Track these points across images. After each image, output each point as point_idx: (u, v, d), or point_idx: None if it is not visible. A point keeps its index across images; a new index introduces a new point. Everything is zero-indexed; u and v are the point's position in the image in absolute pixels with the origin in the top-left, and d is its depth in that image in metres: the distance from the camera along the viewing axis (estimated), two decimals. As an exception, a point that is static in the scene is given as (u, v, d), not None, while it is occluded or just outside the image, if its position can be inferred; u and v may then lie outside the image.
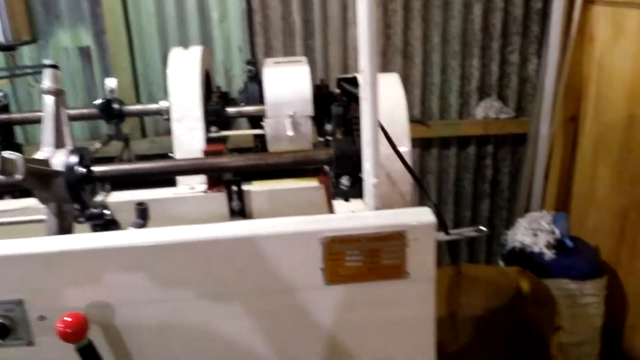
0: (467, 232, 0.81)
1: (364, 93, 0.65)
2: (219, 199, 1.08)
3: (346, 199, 0.82)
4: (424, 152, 2.12)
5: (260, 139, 1.21)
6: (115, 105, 1.23)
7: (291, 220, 0.63)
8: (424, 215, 0.62)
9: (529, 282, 1.29)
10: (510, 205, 2.20)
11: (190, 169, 0.86)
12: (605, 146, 1.78)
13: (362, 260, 0.62)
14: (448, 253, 0.75)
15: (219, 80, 1.94)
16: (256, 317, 0.65)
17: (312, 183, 1.11)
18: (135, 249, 0.62)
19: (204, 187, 1.10)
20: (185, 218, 1.06)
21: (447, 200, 2.19)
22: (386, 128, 0.78)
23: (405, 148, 0.82)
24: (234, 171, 0.94)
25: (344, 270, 0.62)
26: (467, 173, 2.16)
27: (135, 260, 0.62)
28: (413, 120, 2.04)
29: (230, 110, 1.20)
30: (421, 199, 1.39)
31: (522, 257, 1.66)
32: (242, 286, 0.64)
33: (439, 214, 0.78)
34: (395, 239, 0.62)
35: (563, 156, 1.94)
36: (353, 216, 0.64)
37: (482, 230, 0.81)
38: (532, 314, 1.24)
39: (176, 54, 1.18)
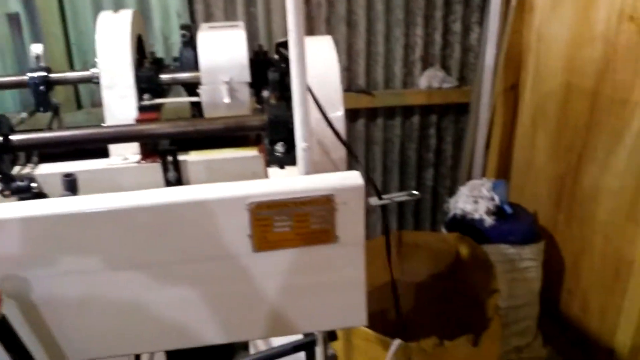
0: (400, 196, 0.81)
1: (291, 53, 0.63)
2: (154, 169, 1.04)
3: (281, 166, 0.80)
4: (369, 122, 2.12)
5: (197, 108, 1.17)
6: (42, 73, 1.16)
7: (216, 186, 0.61)
8: (352, 178, 0.61)
9: (468, 248, 1.31)
10: (454, 174, 2.24)
11: (114, 137, 0.82)
12: (543, 115, 1.82)
13: (291, 225, 0.61)
14: (381, 218, 0.75)
15: (158, 49, 1.88)
16: (183, 286, 0.63)
17: (251, 152, 1.08)
18: (50, 218, 0.59)
19: (138, 157, 1.06)
20: (118, 190, 1.03)
21: (392, 170, 2.21)
22: (318, 92, 0.76)
23: (339, 113, 0.80)
24: (160, 138, 0.91)
25: (272, 237, 0.61)
26: (411, 143, 2.18)
27: (51, 230, 0.59)
28: (358, 90, 2.04)
29: (164, 77, 1.16)
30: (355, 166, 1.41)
31: (463, 224, 1.69)
32: (167, 255, 0.61)
33: (370, 179, 0.77)
34: (323, 203, 0.60)
35: (503, 125, 1.97)
36: (280, 181, 0.62)
37: (414, 194, 0.81)
38: (471, 278, 1.26)
39: (105, 18, 1.12)
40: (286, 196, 0.60)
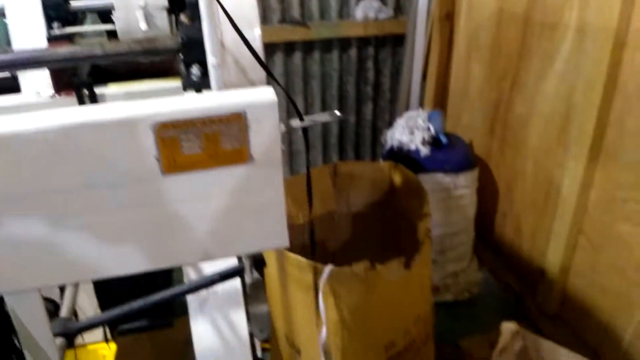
0: (321, 117, 0.79)
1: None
2: (69, 104, 0.98)
3: (198, 90, 0.76)
4: (306, 56, 2.07)
5: (115, 37, 1.10)
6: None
7: (117, 106, 0.57)
8: (264, 94, 0.58)
9: (401, 175, 1.32)
10: (392, 107, 2.24)
11: (10, 64, 0.76)
12: (477, 43, 1.82)
13: (201, 146, 0.58)
14: (304, 140, 0.73)
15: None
16: (93, 214, 0.59)
17: (174, 83, 1.03)
18: None
19: (51, 92, 0.99)
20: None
21: (332, 105, 2.18)
22: (233, 9, 0.71)
23: (256, 31, 0.76)
24: (61, 64, 0.83)
25: (181, 158, 0.58)
26: (349, 76, 2.15)
27: None
28: (293, 22, 1.98)
29: (75, 3, 1.07)
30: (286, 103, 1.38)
31: (400, 156, 1.70)
32: (71, 182, 0.57)
33: (290, 99, 0.74)
34: (234, 121, 0.57)
35: (439, 55, 1.96)
36: (185, 99, 0.58)
37: (335, 114, 0.79)
38: (404, 205, 1.27)
39: (4, -62, 1.02)
40: (192, 114, 0.56)
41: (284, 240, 0.65)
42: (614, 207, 1.32)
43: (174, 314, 1.73)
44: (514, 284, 1.71)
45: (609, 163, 1.33)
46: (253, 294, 0.73)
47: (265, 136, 0.60)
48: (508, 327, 0.98)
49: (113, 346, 1.29)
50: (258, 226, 0.64)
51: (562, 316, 1.54)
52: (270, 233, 0.65)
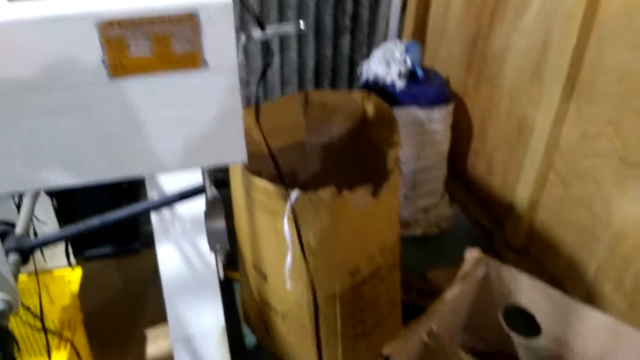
0: (284, 28, 0.75)
1: None
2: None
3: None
4: (282, -16, 1.99)
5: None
6: None
7: (58, 2, 0.53)
8: (219, -6, 0.55)
9: (374, 105, 1.29)
10: (370, 40, 2.18)
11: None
12: (458, -27, 1.76)
13: (150, 48, 0.54)
14: (263, 55, 0.69)
15: None
16: (36, 120, 0.56)
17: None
18: None
19: None
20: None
21: (308, 37, 2.12)
22: None
23: None
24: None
25: (129, 61, 0.54)
26: (327, 6, 2.08)
27: None
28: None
29: None
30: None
31: (376, 89, 1.67)
32: (9, 85, 0.54)
33: (248, 9, 0.70)
34: (186, 22, 0.54)
35: (419, -14, 1.90)
36: (134, -5, 0.54)
37: (300, 27, 0.75)
38: (375, 135, 1.25)
39: None
40: (140, 12, 0.53)
41: (241, 155, 0.63)
42: (585, 143, 1.32)
43: (139, 240, 1.73)
44: (483, 220, 1.73)
45: (582, 99, 1.32)
46: (211, 212, 0.72)
47: (220, 40, 0.56)
48: (471, 254, 0.99)
49: (78, 270, 1.28)
50: (213, 138, 0.62)
51: (528, 250, 1.56)
52: (227, 146, 0.63)
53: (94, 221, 0.82)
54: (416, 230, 1.77)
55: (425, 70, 1.72)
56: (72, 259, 1.26)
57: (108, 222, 0.82)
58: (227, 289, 1.63)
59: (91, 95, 0.56)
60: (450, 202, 1.83)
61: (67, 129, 0.57)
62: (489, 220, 1.72)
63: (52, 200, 1.38)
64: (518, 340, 1.06)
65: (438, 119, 1.67)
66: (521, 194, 1.54)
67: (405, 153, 1.68)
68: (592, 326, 0.93)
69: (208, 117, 0.60)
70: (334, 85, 2.25)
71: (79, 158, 0.60)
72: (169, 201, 0.82)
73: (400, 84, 1.64)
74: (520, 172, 1.55)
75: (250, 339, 1.52)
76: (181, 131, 0.60)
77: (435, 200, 1.78)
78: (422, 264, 1.67)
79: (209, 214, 0.71)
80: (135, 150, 0.60)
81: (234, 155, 0.63)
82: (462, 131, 1.83)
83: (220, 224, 0.71)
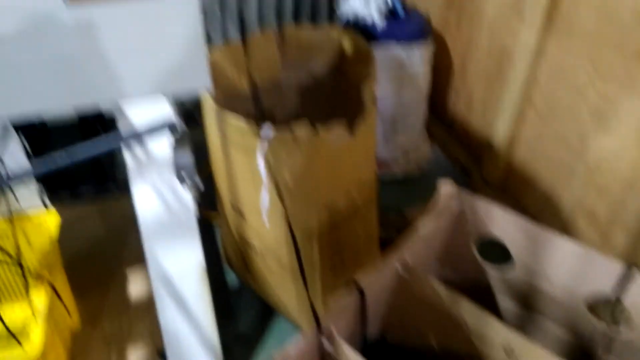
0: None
1: None
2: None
3: None
4: None
5: None
6: None
7: None
8: None
9: (351, 41, 1.27)
10: (350, -22, 2.12)
11: None
12: None
13: (103, -33, 0.52)
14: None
15: None
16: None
17: None
18: None
19: None
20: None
21: (286, -25, 2.06)
22: None
23: None
24: None
25: (82, -17, 0.52)
26: (304, -58, 2.01)
27: None
28: None
29: None
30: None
31: (357, 28, 1.63)
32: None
33: None
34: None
35: None
36: None
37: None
38: (353, 72, 1.23)
39: None
40: None
41: (204, 81, 0.61)
42: (563, 77, 1.31)
43: (116, 182, 1.72)
44: (463, 159, 1.74)
45: (561, 32, 1.30)
46: (178, 144, 0.71)
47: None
48: (445, 187, 0.99)
49: (56, 215, 1.27)
50: (175, 64, 0.60)
51: (506, 187, 1.58)
52: (189, 72, 0.61)
53: (62, 157, 0.80)
54: (396, 171, 1.77)
55: (406, 8, 1.69)
56: (48, 202, 1.25)
57: (77, 158, 0.80)
58: (207, 230, 1.64)
59: (48, 21, 0.54)
60: (431, 142, 1.83)
61: (27, 57, 0.56)
62: (468, 158, 1.73)
63: (25, 149, 1.36)
64: (491, 271, 1.08)
65: (418, 57, 1.64)
66: (499, 131, 1.54)
67: (385, 93, 1.66)
68: (563, 254, 0.95)
69: (168, 42, 0.58)
70: (313, 21, 2.20)
71: (41, 85, 0.58)
72: (138, 135, 0.80)
73: (380, 22, 1.60)
74: (499, 108, 1.54)
75: (232, 278, 1.53)
76: (141, 56, 0.58)
77: (415, 140, 1.78)
78: (401, 203, 1.68)
79: (176, 146, 0.70)
80: (97, 78, 0.59)
81: (197, 81, 0.62)
82: (442, 70, 1.81)
83: (187, 156, 0.70)
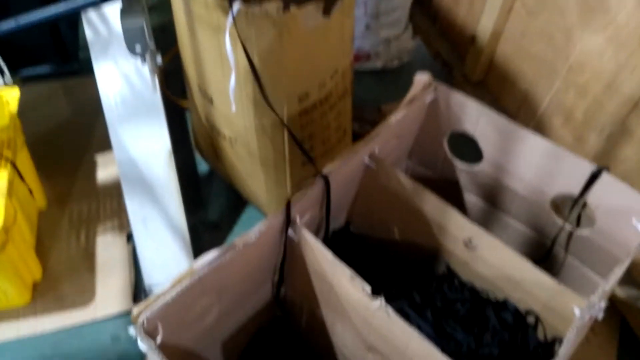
0: None
1: None
2: None
3: None
4: None
5: None
6: None
7: None
8: None
9: None
10: None
11: None
12: None
13: None
14: None
15: None
16: None
17: None
18: None
19: None
20: None
21: None
22: None
23: None
24: None
25: None
26: None
27: None
28: None
29: None
30: None
31: None
32: None
33: None
34: None
35: None
36: None
37: None
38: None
39: None
40: None
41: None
42: (555, -32, 1.23)
43: (79, 61, 1.64)
44: (445, 53, 1.68)
45: None
46: (126, 8, 0.65)
47: None
48: (420, 78, 0.95)
49: (16, 89, 1.22)
50: None
51: (486, 84, 1.54)
52: None
53: (9, 23, 0.74)
54: (376, 62, 1.72)
55: None
56: (8, 77, 1.19)
57: (25, 23, 0.74)
58: (178, 116, 1.60)
59: None
60: (414, 34, 1.76)
61: None
62: (450, 53, 1.68)
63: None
64: (460, 165, 1.07)
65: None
66: (484, 25, 1.48)
67: (368, -22, 1.57)
68: (534, 152, 0.93)
69: None
70: None
71: None
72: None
73: None
74: (486, 1, 1.47)
75: (203, 166, 1.52)
76: None
77: (398, 31, 1.70)
78: (379, 97, 1.64)
79: (124, 10, 0.64)
80: None
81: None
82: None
83: (137, 21, 0.64)
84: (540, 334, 0.93)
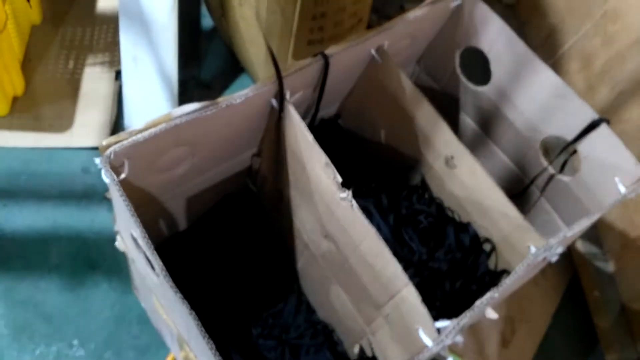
0: None
1: None
2: None
3: None
4: None
5: None
6: None
7: None
8: None
9: None
10: None
11: None
12: None
13: None
14: None
15: None
16: None
17: None
18: None
19: None
20: None
21: None
22: None
23: None
24: None
25: None
26: None
27: None
28: None
29: None
30: None
31: None
32: None
33: None
34: None
35: None
36: None
37: None
38: None
39: None
40: None
41: None
42: None
43: None
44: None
45: None
46: None
47: None
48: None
49: None
50: None
51: (517, 8, 1.47)
52: None
53: None
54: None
55: None
56: None
57: None
58: (193, -38, 1.51)
59: None
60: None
61: None
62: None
63: None
64: (465, 82, 1.04)
65: None
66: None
67: None
68: (542, 86, 0.90)
69: None
70: None
71: None
72: None
73: None
74: None
75: (207, 21, 1.46)
76: None
77: None
78: (404, -5, 1.56)
79: None
80: None
81: None
82: None
83: None
84: (491, 263, 0.95)
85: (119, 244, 0.83)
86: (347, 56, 0.85)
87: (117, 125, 1.25)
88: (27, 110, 1.23)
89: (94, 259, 1.08)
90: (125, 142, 0.68)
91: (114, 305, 1.04)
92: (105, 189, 0.71)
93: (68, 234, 1.11)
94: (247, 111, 0.80)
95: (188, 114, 0.72)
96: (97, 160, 0.67)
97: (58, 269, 1.06)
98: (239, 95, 0.75)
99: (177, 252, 0.96)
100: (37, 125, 1.22)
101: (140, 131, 0.69)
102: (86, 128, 1.22)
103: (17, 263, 1.06)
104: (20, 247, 1.08)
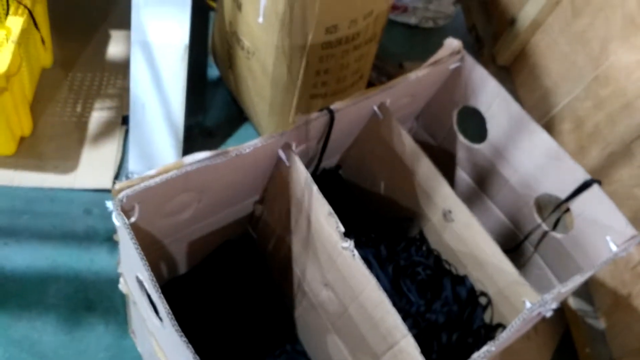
0: None
1: None
2: None
3: None
4: None
5: None
6: None
7: None
8: None
9: None
10: None
11: None
12: None
13: None
14: None
15: None
16: None
17: None
18: None
19: None
20: None
21: None
22: None
23: None
24: None
25: None
26: None
27: None
28: None
29: None
30: None
31: None
32: None
33: None
34: None
35: None
36: None
37: None
38: None
39: None
40: None
41: None
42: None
43: None
44: (481, 28, 1.66)
45: None
46: None
47: None
48: (451, 42, 0.95)
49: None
50: None
51: (510, 70, 1.53)
52: None
53: None
54: (411, 18, 1.69)
55: None
56: None
57: None
58: (202, 15, 1.57)
59: None
60: (456, 0, 1.72)
61: None
62: (486, 29, 1.65)
63: None
64: (462, 140, 1.08)
65: None
66: (528, 11, 1.45)
67: None
68: (536, 146, 0.94)
69: None
70: None
71: None
72: None
73: None
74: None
75: (213, 71, 1.51)
76: None
77: (440, -7, 1.67)
78: (403, 52, 1.63)
79: None
80: None
81: None
82: None
83: None
84: (487, 317, 0.97)
85: (122, 286, 0.84)
86: (351, 111, 0.89)
87: (120, 168, 1.27)
88: (33, 151, 1.25)
89: (92, 300, 1.09)
90: (137, 187, 0.70)
91: (110, 347, 1.04)
92: (107, 231, 0.73)
93: (67, 275, 1.11)
94: (255, 160, 0.83)
95: (199, 161, 0.74)
96: (109, 203, 0.69)
97: (55, 308, 1.07)
98: (248, 145, 0.78)
99: (176, 296, 0.97)
100: (42, 165, 1.24)
101: (152, 176, 0.72)
102: (90, 171, 1.25)
103: (15, 301, 1.06)
104: (19, 285, 1.08)
